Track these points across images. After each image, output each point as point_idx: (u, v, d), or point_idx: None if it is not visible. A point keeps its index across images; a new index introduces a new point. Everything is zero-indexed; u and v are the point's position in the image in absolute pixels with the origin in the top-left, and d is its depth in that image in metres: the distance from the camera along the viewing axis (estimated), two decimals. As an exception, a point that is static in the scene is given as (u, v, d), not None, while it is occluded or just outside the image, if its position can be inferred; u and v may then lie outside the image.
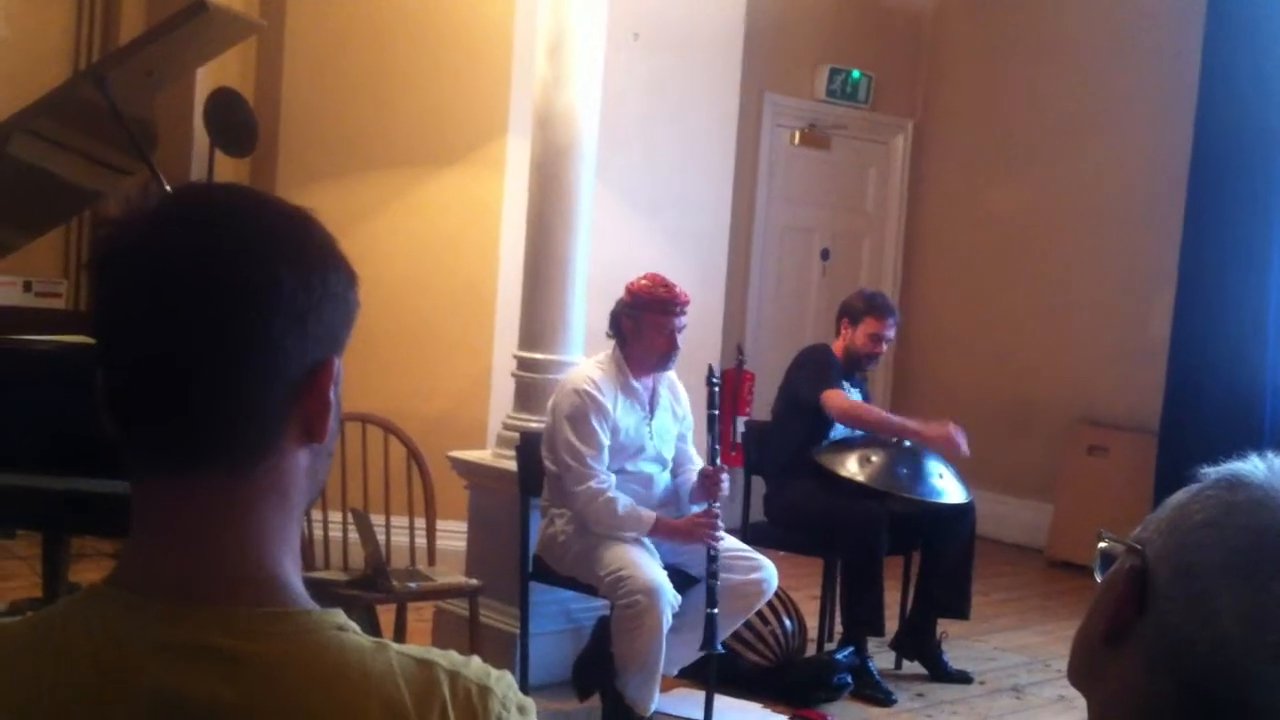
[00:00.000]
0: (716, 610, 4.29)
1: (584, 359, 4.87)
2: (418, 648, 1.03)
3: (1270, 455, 1.10)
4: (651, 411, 4.59)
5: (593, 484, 4.37)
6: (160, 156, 4.47)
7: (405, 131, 6.16)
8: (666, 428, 4.62)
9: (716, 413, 4.58)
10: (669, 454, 4.64)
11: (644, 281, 4.54)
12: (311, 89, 6.24)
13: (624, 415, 4.50)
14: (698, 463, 4.66)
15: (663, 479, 4.63)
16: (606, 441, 4.43)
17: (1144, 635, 1.08)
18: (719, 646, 4.34)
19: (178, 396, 1.00)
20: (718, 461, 4.52)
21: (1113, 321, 7.71)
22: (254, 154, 6.27)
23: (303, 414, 1.03)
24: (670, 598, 4.23)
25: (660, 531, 4.39)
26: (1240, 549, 1.04)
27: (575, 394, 4.45)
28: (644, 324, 4.48)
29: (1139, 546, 1.10)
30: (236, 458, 1.01)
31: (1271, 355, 6.83)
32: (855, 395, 5.50)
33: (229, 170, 6.25)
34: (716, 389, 4.58)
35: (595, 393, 4.43)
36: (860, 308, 5.48)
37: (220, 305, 0.99)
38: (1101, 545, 1.16)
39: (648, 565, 4.28)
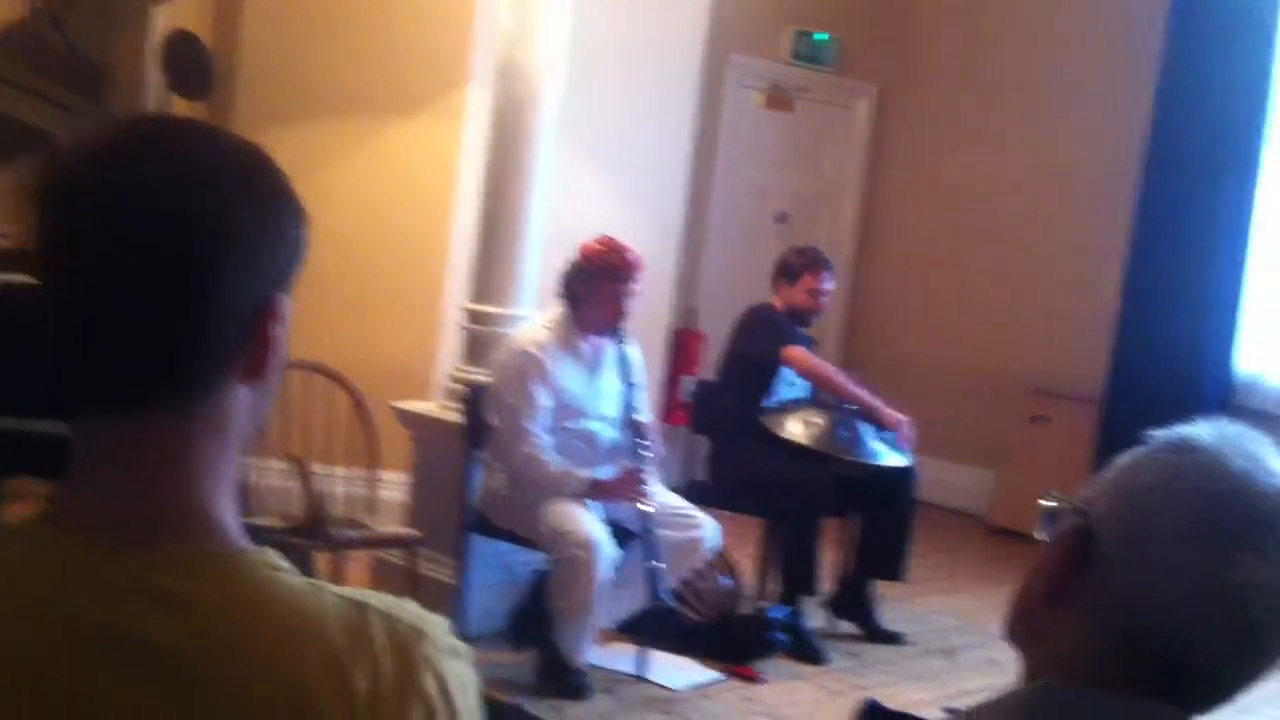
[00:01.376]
0: (660, 563, 4.32)
1: (536, 314, 4.86)
2: (353, 590, 1.02)
3: (1221, 420, 1.10)
4: (598, 371, 4.60)
5: (524, 448, 4.39)
6: (115, 98, 4.43)
7: (365, 78, 6.10)
8: (613, 386, 4.64)
9: (633, 384, 4.59)
10: (614, 412, 4.65)
11: (598, 246, 4.50)
12: (271, 32, 6.16)
13: (569, 377, 4.51)
14: (647, 416, 4.67)
15: (608, 435, 4.65)
16: (544, 404, 4.44)
17: (1087, 596, 1.08)
18: (665, 596, 4.37)
19: (123, 331, 0.98)
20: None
21: (1062, 293, 7.78)
22: (211, 98, 6.20)
23: (248, 351, 1.01)
24: (609, 552, 4.26)
25: (593, 493, 4.41)
26: (1197, 518, 1.04)
27: (518, 355, 4.45)
28: (596, 289, 4.46)
29: (1084, 507, 1.10)
30: (180, 394, 0.99)
31: (1214, 330, 6.96)
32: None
33: (185, 113, 6.18)
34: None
35: (539, 354, 4.43)
36: (797, 264, 5.48)
37: (169, 237, 0.96)
38: (1045, 504, 1.15)
39: (587, 520, 4.32)
